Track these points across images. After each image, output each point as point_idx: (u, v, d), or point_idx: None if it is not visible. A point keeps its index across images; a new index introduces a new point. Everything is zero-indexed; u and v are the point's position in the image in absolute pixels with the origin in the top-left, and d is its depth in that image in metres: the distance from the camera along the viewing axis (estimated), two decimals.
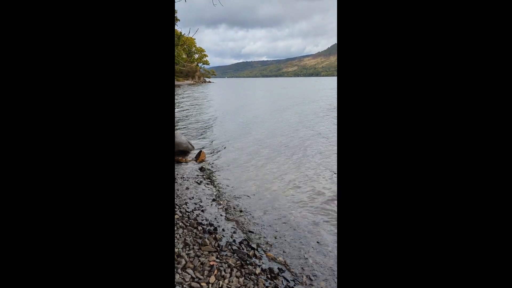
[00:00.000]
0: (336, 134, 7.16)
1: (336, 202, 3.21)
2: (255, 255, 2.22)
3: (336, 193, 3.43)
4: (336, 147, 5.74)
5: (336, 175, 4.06)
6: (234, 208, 3.10)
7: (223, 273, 1.94)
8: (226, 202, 3.26)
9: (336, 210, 3.02)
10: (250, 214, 2.95)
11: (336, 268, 2.09)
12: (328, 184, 3.74)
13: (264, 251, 2.29)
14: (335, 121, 9.00)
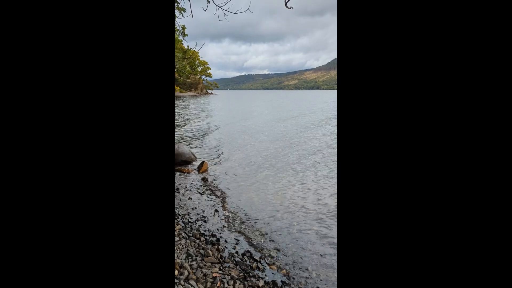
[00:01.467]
0: (332, 141, 7.15)
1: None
2: (258, 267, 2.20)
3: None
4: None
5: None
6: (236, 219, 3.09)
7: (226, 285, 1.92)
8: (228, 213, 3.25)
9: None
10: (253, 225, 2.94)
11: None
12: (331, 196, 3.74)
13: (267, 263, 2.28)
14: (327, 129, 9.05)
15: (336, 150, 6.51)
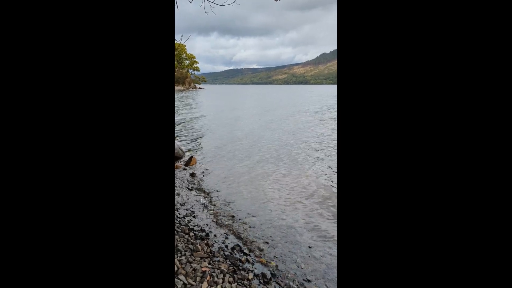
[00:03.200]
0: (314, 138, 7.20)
1: (326, 206, 3.25)
2: (247, 261, 2.22)
3: (326, 198, 3.48)
4: (325, 152, 5.81)
5: (327, 180, 4.12)
6: (225, 213, 3.09)
7: (215, 279, 1.92)
8: (217, 207, 3.24)
9: (327, 214, 3.07)
10: (242, 219, 2.95)
11: (327, 271, 2.11)
12: (319, 189, 3.79)
13: (256, 256, 2.30)
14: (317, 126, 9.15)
15: (325, 144, 6.58)
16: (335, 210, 3.16)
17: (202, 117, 12.21)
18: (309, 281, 2.01)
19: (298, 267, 2.17)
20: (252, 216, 3.04)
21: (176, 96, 29.44)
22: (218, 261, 2.17)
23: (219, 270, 2.02)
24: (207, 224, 2.82)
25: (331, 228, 2.78)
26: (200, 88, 68.04)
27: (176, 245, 2.31)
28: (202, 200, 3.44)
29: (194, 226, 2.76)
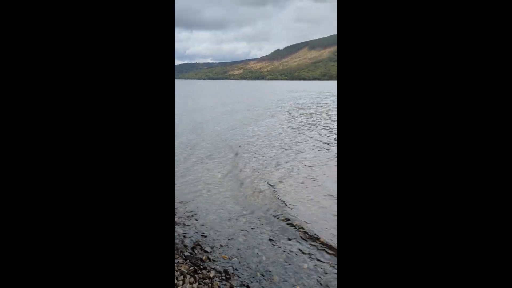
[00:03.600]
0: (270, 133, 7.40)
1: (279, 200, 3.37)
2: (208, 259, 2.18)
3: (275, 193, 3.60)
4: (267, 145, 5.98)
5: (272, 172, 4.26)
6: (185, 212, 2.99)
7: (176, 281, 1.85)
8: (176, 206, 3.11)
9: (282, 207, 3.17)
10: (202, 217, 2.89)
11: (288, 261, 2.19)
12: (278, 183, 3.90)
13: (218, 253, 2.27)
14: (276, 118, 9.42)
15: (269, 137, 6.75)
16: (291, 207, 3.30)
17: None
18: (269, 272, 2.06)
19: (259, 260, 2.21)
20: (213, 214, 2.99)
21: None
22: (178, 263, 2.09)
23: (178, 272, 1.95)
24: None
25: (291, 219, 2.89)
26: None
27: None
28: None
29: None
